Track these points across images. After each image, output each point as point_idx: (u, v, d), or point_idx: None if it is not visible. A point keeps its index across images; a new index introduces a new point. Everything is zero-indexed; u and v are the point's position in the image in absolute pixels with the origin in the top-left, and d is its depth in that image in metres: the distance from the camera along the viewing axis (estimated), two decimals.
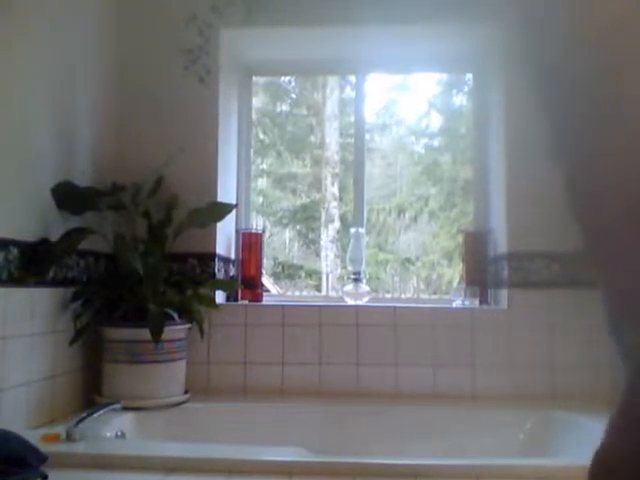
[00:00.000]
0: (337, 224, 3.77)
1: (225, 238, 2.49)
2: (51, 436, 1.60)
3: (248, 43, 2.54)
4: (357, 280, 2.51)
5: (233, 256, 2.58)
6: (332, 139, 3.86)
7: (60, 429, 1.63)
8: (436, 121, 3.07)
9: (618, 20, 0.56)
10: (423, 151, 3.89)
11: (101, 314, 2.08)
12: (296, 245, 3.67)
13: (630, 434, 0.83)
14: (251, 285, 2.49)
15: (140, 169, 2.24)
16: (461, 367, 2.27)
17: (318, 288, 3.40)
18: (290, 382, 2.29)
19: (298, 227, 3.63)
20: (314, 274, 3.66)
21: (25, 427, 1.68)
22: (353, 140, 2.81)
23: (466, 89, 2.95)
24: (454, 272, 2.91)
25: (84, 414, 1.66)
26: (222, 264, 2.43)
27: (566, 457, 1.82)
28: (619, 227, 0.66)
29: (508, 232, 2.32)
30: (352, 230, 2.60)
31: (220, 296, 2.43)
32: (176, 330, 2.08)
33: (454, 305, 2.53)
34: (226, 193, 2.47)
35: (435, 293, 2.97)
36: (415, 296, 2.85)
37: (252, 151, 2.83)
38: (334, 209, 3.80)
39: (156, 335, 1.92)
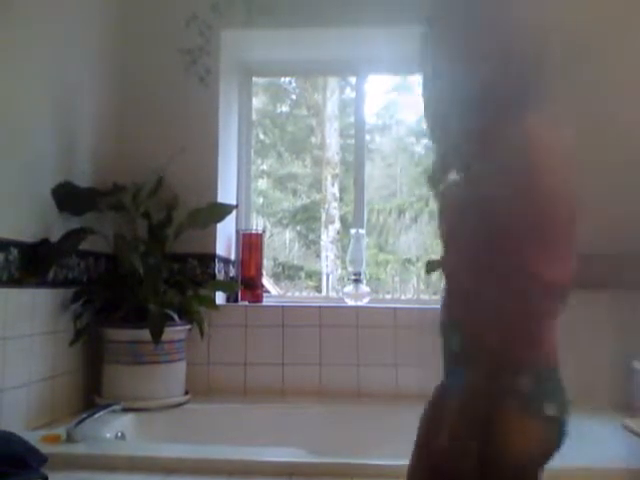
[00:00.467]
0: (337, 225, 3.77)
1: (225, 239, 2.49)
2: (51, 437, 1.60)
3: (248, 44, 2.54)
4: (357, 281, 2.51)
5: (233, 257, 2.58)
6: (332, 140, 3.86)
7: (60, 430, 1.63)
8: None
9: None
10: (423, 152, 3.88)
11: (101, 315, 2.08)
12: (296, 246, 3.67)
13: (468, 432, 0.86)
14: (251, 286, 2.49)
15: (140, 169, 2.24)
16: None
17: (318, 289, 3.40)
18: (290, 383, 2.29)
19: (298, 228, 3.63)
20: (314, 275, 3.66)
21: (25, 428, 1.68)
22: (353, 141, 2.81)
23: None
24: None
25: (84, 415, 1.66)
26: (222, 265, 2.43)
27: (566, 459, 1.82)
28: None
29: None
30: (352, 231, 2.60)
31: (220, 297, 2.43)
32: (176, 331, 2.08)
33: None
34: (226, 194, 2.47)
35: (435, 294, 2.97)
36: (415, 297, 2.84)
37: (252, 152, 2.83)
38: (334, 210, 3.80)
39: (156, 336, 1.92)
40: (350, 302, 2.48)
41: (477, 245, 0.88)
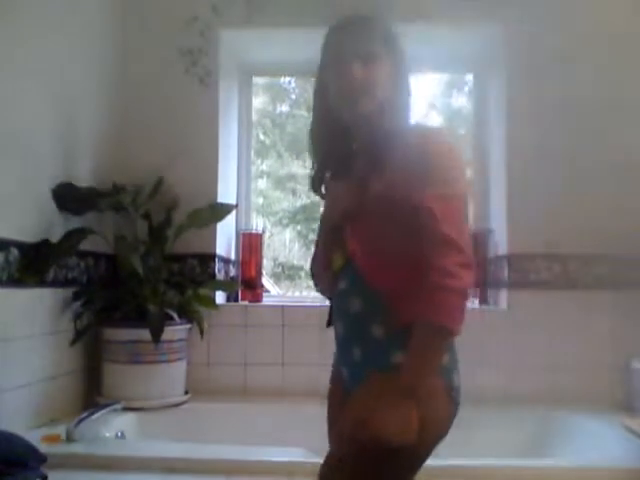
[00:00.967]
0: None
1: (225, 239, 2.49)
2: (51, 437, 1.60)
3: (248, 44, 2.54)
4: None
5: (233, 257, 2.58)
6: None
7: (60, 430, 1.63)
8: (436, 122, 3.07)
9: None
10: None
11: (101, 315, 2.08)
12: (296, 246, 3.67)
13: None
14: (251, 286, 2.49)
15: (140, 170, 2.24)
16: (461, 367, 2.26)
17: None
18: (290, 382, 2.29)
19: (298, 228, 3.62)
20: None
21: (25, 427, 1.68)
22: None
23: (466, 89, 2.95)
24: None
25: (84, 414, 1.66)
26: (222, 265, 2.43)
27: (566, 457, 1.82)
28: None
29: (508, 232, 2.31)
30: None
31: (220, 297, 2.43)
32: (176, 330, 2.08)
33: None
34: (226, 194, 2.47)
35: None
36: None
37: (252, 152, 2.83)
38: None
39: (156, 335, 1.92)
40: None
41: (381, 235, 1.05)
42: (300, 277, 3.50)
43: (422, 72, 2.92)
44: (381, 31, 1.15)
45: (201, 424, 2.02)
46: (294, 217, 3.59)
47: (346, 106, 1.12)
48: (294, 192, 3.69)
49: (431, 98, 3.11)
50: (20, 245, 1.72)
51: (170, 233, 2.17)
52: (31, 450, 1.40)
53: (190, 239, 2.19)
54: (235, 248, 2.59)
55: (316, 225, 1.32)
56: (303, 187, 3.88)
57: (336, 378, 1.23)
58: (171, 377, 2.08)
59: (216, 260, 2.35)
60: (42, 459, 1.40)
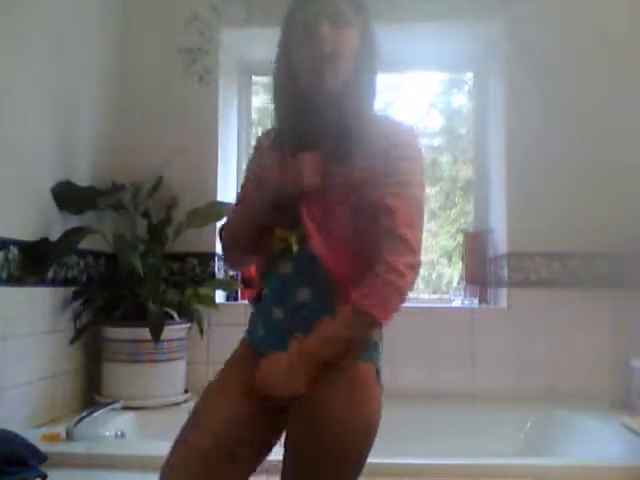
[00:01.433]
0: None
1: None
2: (51, 435, 1.60)
3: (248, 43, 2.53)
4: None
5: None
6: None
7: (60, 428, 1.63)
8: (436, 121, 3.07)
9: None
10: (423, 151, 3.87)
11: (101, 313, 2.08)
12: None
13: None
14: (251, 284, 2.49)
15: (140, 169, 2.24)
16: (461, 366, 2.27)
17: None
18: None
19: None
20: None
21: (25, 426, 1.68)
22: None
23: (466, 89, 2.95)
24: (454, 272, 2.91)
25: (84, 413, 1.66)
26: (222, 263, 2.43)
27: (566, 457, 1.82)
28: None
29: (508, 232, 2.31)
30: None
31: (220, 296, 2.43)
32: (176, 329, 2.08)
33: (454, 305, 2.54)
34: (226, 193, 2.47)
35: (435, 292, 2.97)
36: (415, 295, 2.84)
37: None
38: None
39: (156, 334, 1.91)
40: None
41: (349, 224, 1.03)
42: None
43: (422, 71, 2.92)
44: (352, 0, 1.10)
45: None
46: None
47: (311, 77, 1.07)
48: None
49: (431, 97, 3.11)
50: (20, 244, 1.72)
51: (170, 232, 2.17)
52: (31, 449, 1.40)
53: (190, 238, 2.19)
54: None
55: None
56: None
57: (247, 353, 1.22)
58: (171, 376, 2.08)
59: (216, 259, 2.35)
60: (42, 458, 1.40)
